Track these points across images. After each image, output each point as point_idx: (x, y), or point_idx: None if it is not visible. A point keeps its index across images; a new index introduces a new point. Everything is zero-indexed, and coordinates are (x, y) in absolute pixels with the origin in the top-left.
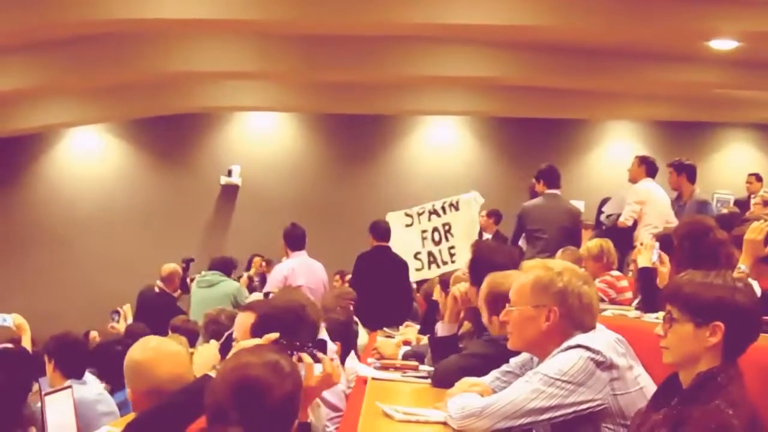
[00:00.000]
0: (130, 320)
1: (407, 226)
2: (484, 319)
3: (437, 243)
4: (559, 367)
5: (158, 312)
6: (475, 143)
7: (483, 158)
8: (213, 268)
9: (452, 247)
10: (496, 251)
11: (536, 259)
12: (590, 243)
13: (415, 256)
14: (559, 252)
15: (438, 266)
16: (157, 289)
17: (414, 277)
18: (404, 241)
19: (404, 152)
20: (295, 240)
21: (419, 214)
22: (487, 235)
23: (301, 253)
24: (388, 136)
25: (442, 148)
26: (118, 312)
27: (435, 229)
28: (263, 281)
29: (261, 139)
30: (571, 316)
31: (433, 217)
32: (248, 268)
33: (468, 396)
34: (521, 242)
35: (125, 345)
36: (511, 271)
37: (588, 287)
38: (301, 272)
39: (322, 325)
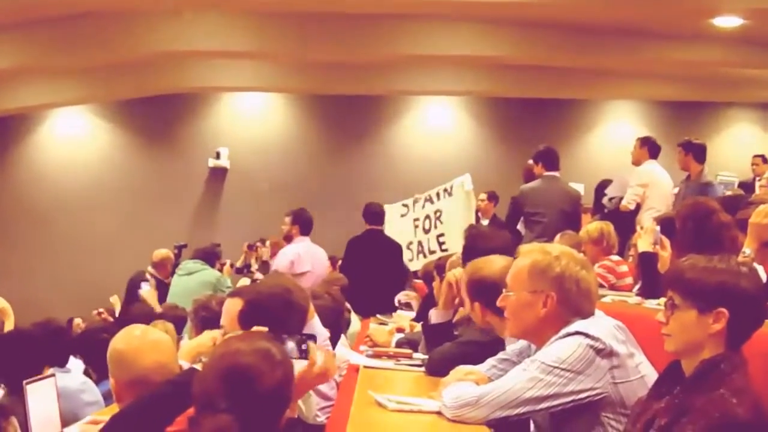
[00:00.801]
0: (118, 309)
1: (402, 216)
2: (467, 307)
3: (426, 231)
4: (558, 354)
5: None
6: (471, 124)
7: (480, 140)
8: (196, 257)
9: (441, 235)
10: (489, 237)
11: (534, 243)
12: (590, 226)
13: (408, 246)
14: (558, 236)
15: (425, 256)
16: (148, 276)
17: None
18: (398, 232)
19: (399, 134)
20: (307, 224)
21: (415, 203)
22: (484, 220)
23: (306, 239)
24: (382, 117)
25: (438, 130)
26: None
27: (426, 217)
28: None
29: (250, 120)
30: (569, 302)
31: (427, 204)
32: (252, 249)
33: (463, 385)
34: (519, 226)
35: (112, 333)
36: (494, 255)
37: (586, 272)
38: (307, 258)
39: (315, 315)
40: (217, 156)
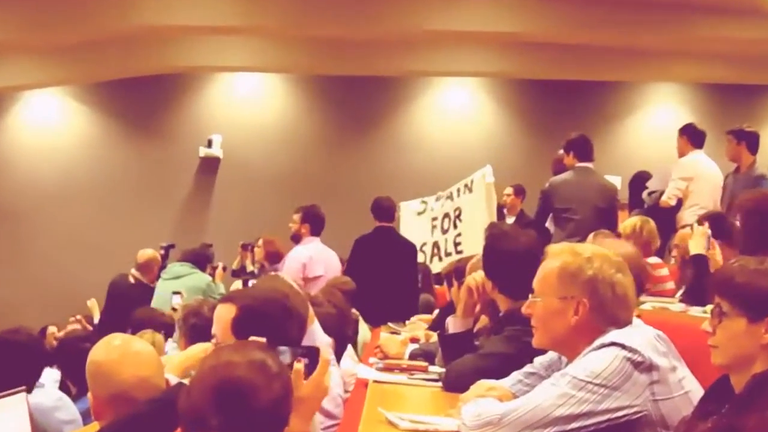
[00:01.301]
0: (97, 316)
1: (419, 214)
2: (453, 293)
3: (444, 231)
4: (592, 368)
5: (133, 306)
6: (495, 109)
7: (504, 127)
8: (185, 260)
9: (459, 235)
10: (512, 237)
11: (563, 243)
12: (626, 222)
13: (421, 248)
14: (591, 236)
15: (440, 259)
16: (132, 279)
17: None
18: (412, 231)
19: (412, 120)
20: (318, 223)
21: (437, 199)
22: (510, 218)
23: (316, 240)
24: (393, 100)
25: (456, 116)
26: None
27: (446, 216)
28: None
29: (246, 104)
30: (603, 309)
31: (447, 202)
32: (248, 250)
33: (485, 402)
34: (548, 224)
35: (94, 342)
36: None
37: (623, 276)
38: (320, 261)
39: (315, 321)
40: (209, 144)
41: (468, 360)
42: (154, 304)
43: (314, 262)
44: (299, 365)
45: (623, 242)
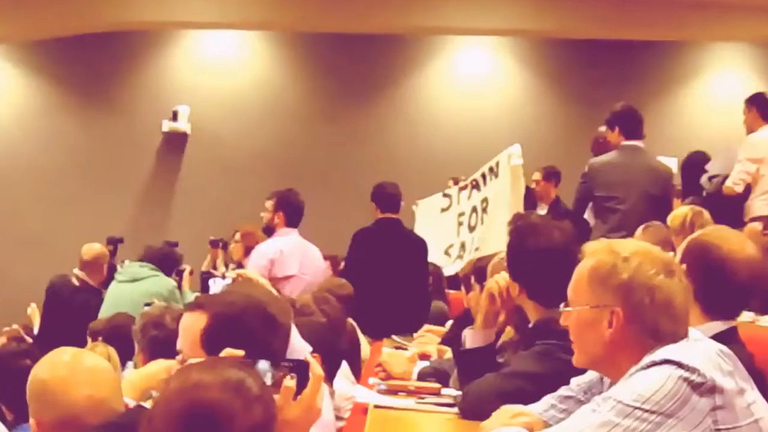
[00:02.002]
0: (37, 325)
1: (443, 210)
2: (472, 299)
3: (472, 229)
4: (640, 390)
5: (78, 313)
6: (521, 75)
7: (532, 97)
8: (146, 260)
9: (483, 231)
10: (542, 231)
11: (603, 240)
12: (674, 213)
13: (447, 251)
14: (640, 229)
15: (461, 258)
16: (75, 281)
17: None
18: (436, 233)
19: (421, 88)
20: (295, 211)
21: (460, 190)
22: (542, 208)
23: (292, 231)
24: (399, 64)
25: (474, 82)
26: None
27: (473, 210)
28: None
29: (218, 68)
30: (642, 319)
31: (474, 193)
32: (219, 247)
33: (510, 431)
34: (587, 215)
35: (35, 359)
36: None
37: (668, 278)
38: (293, 257)
39: (293, 326)
40: (174, 117)
41: (490, 380)
42: (104, 312)
43: (285, 258)
44: (290, 382)
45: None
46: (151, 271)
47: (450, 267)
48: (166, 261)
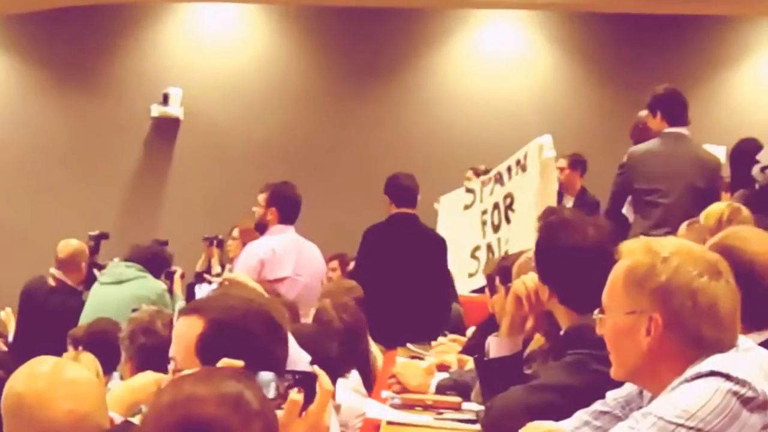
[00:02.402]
0: (11, 331)
1: (467, 207)
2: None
3: (496, 228)
4: (684, 406)
5: (54, 316)
6: (550, 52)
7: (563, 77)
8: (132, 260)
9: (510, 230)
10: (576, 226)
11: (641, 238)
12: (709, 209)
13: (473, 254)
14: (684, 226)
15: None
16: (52, 282)
17: (465, 285)
18: (461, 233)
19: (440, 67)
20: (290, 206)
21: (483, 185)
22: (568, 199)
23: (288, 228)
24: (415, 41)
25: (498, 60)
26: None
27: (495, 207)
28: None
29: (214, 46)
30: (683, 326)
31: (496, 187)
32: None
33: None
34: (626, 210)
35: (8, 370)
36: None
37: (713, 280)
38: (287, 257)
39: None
40: (165, 100)
41: (516, 394)
42: (85, 317)
43: (278, 258)
44: (297, 396)
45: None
46: (138, 272)
47: (476, 278)
48: (155, 261)
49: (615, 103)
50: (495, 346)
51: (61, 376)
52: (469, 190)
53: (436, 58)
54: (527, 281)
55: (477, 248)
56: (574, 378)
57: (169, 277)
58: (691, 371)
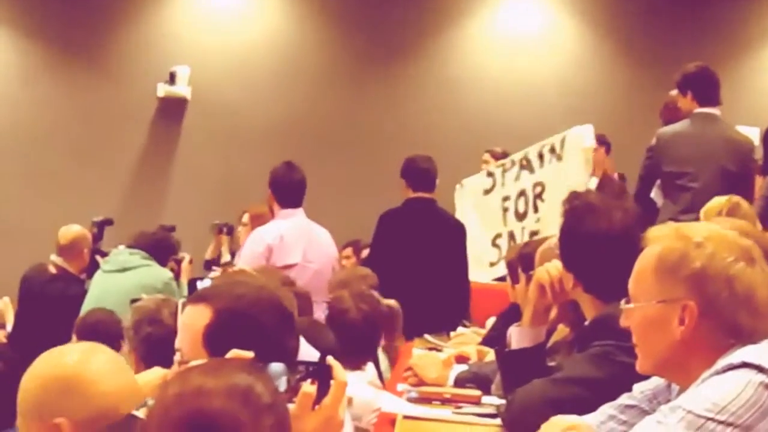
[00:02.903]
0: (10, 322)
1: (486, 192)
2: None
3: (521, 217)
4: (714, 399)
5: (54, 305)
6: (576, 29)
7: (590, 57)
8: (137, 246)
9: (538, 221)
10: (601, 211)
11: (669, 224)
12: (710, 204)
13: (494, 242)
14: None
15: None
16: (53, 269)
17: (486, 274)
18: (479, 218)
19: (460, 46)
20: (289, 190)
21: (505, 171)
22: (591, 180)
23: (296, 212)
24: (433, 18)
25: (522, 40)
26: None
27: (521, 194)
28: None
29: (223, 21)
30: (718, 314)
31: (523, 173)
32: (224, 232)
33: None
34: (654, 194)
35: (9, 361)
36: None
37: (749, 267)
38: (296, 242)
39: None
40: (171, 79)
41: (539, 387)
42: (87, 307)
43: (286, 245)
44: (310, 388)
45: None
46: (143, 260)
47: (497, 267)
48: (161, 248)
49: (643, 81)
50: (517, 337)
51: (105, 352)
52: (490, 174)
53: (456, 34)
54: (551, 269)
55: (498, 236)
56: (600, 370)
57: (177, 263)
58: (722, 362)
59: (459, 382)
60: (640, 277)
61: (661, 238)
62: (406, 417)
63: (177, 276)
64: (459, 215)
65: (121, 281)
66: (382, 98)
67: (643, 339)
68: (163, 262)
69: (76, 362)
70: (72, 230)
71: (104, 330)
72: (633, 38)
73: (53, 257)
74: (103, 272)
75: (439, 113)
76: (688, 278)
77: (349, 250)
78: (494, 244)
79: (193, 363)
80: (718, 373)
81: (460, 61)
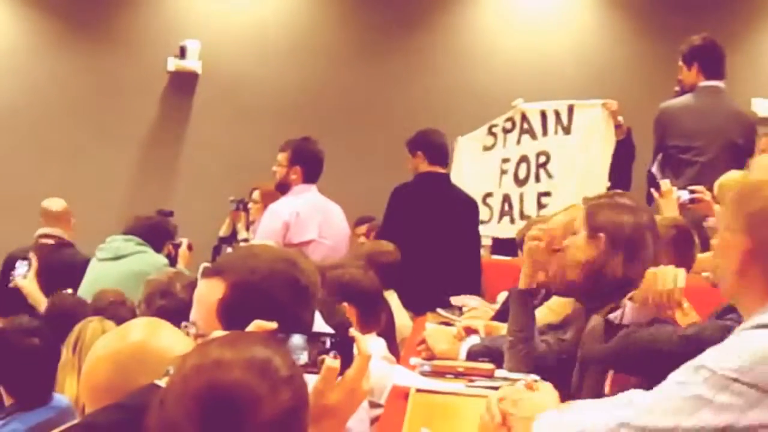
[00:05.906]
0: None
1: (486, 149)
2: None
3: (521, 183)
4: (741, 359)
5: (67, 274)
6: (592, 4)
7: (602, 25)
8: (131, 233)
9: (545, 194)
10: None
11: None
12: (723, 179)
13: (484, 200)
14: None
15: (512, 221)
16: (49, 240)
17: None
18: (474, 174)
19: (476, 20)
20: (315, 165)
21: (506, 131)
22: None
23: (310, 188)
24: None
25: (536, 13)
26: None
27: (523, 159)
28: None
29: None
30: (765, 259)
31: (525, 138)
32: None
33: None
34: (654, 168)
35: (44, 337)
36: None
37: None
38: (312, 219)
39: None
40: (182, 53)
41: (668, 335)
42: (81, 293)
43: (303, 221)
44: (334, 362)
45: None
46: (137, 247)
47: (491, 226)
48: (156, 233)
49: (661, 54)
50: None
51: (165, 324)
52: (491, 132)
53: (468, 14)
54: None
55: (489, 195)
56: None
57: (173, 249)
58: (757, 318)
59: (471, 356)
60: (724, 205)
61: (761, 168)
62: (419, 390)
63: (174, 261)
64: (455, 168)
65: (115, 269)
66: (395, 73)
67: (718, 263)
68: (158, 248)
69: (143, 336)
70: (57, 200)
71: (72, 315)
72: (651, 11)
73: (45, 230)
74: (98, 260)
75: (452, 88)
76: (747, 216)
77: (363, 228)
78: (485, 203)
79: (214, 334)
80: (752, 328)
81: (476, 35)
